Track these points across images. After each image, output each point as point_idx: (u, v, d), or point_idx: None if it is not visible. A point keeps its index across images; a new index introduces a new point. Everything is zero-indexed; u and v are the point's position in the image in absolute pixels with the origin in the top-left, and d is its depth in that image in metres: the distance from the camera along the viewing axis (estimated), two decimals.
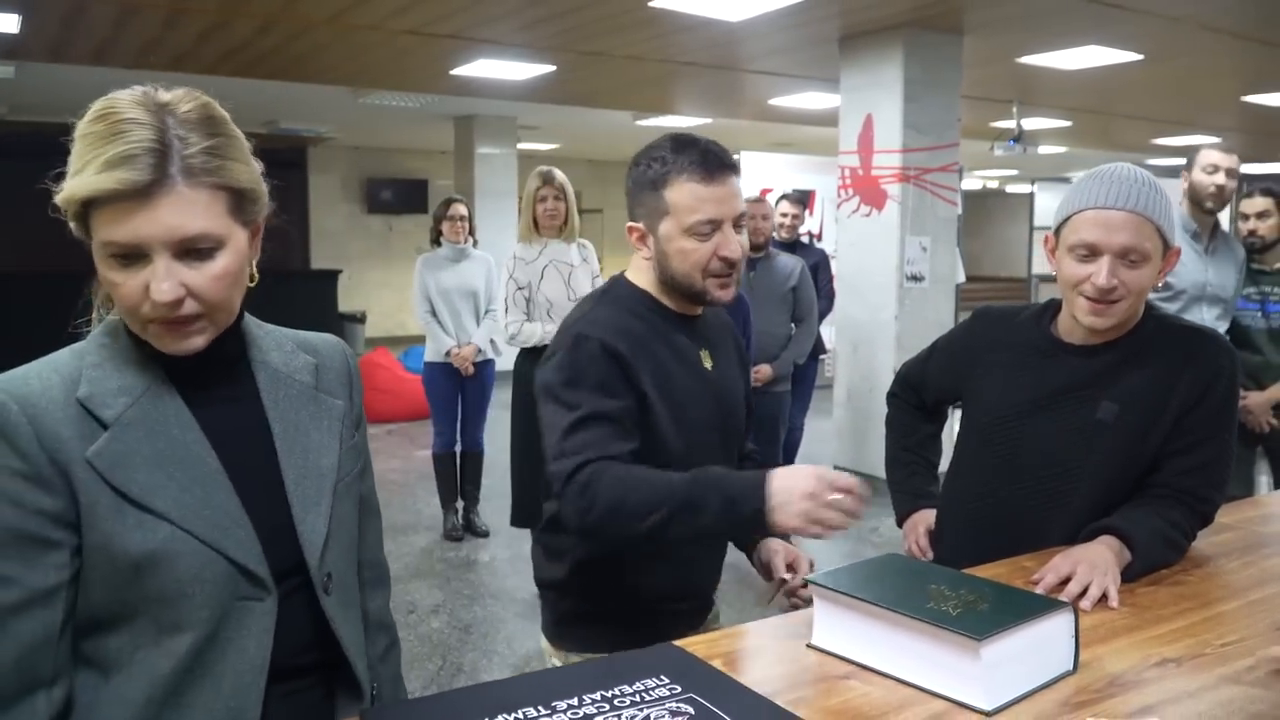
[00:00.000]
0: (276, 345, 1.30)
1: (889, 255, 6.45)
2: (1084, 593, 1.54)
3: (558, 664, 1.83)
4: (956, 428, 2.04)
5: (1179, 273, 3.75)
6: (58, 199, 1.09)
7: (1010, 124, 9.11)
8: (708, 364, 1.83)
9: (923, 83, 6.38)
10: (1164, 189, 1.73)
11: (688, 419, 1.74)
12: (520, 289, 4.45)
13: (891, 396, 2.24)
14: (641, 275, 1.84)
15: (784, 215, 5.74)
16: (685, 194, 1.70)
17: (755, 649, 1.37)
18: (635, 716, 1.15)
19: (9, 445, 1.08)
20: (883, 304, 6.48)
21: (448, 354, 5.27)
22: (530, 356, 4.37)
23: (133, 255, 1.08)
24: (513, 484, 4.56)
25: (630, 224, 1.80)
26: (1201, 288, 3.82)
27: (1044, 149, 13.49)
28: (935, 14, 6.01)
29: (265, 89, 8.69)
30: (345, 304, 14.29)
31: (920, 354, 2.18)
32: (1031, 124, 10.49)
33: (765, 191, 9.91)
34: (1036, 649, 1.25)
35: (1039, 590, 1.53)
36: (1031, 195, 14.07)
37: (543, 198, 4.40)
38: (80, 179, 1.07)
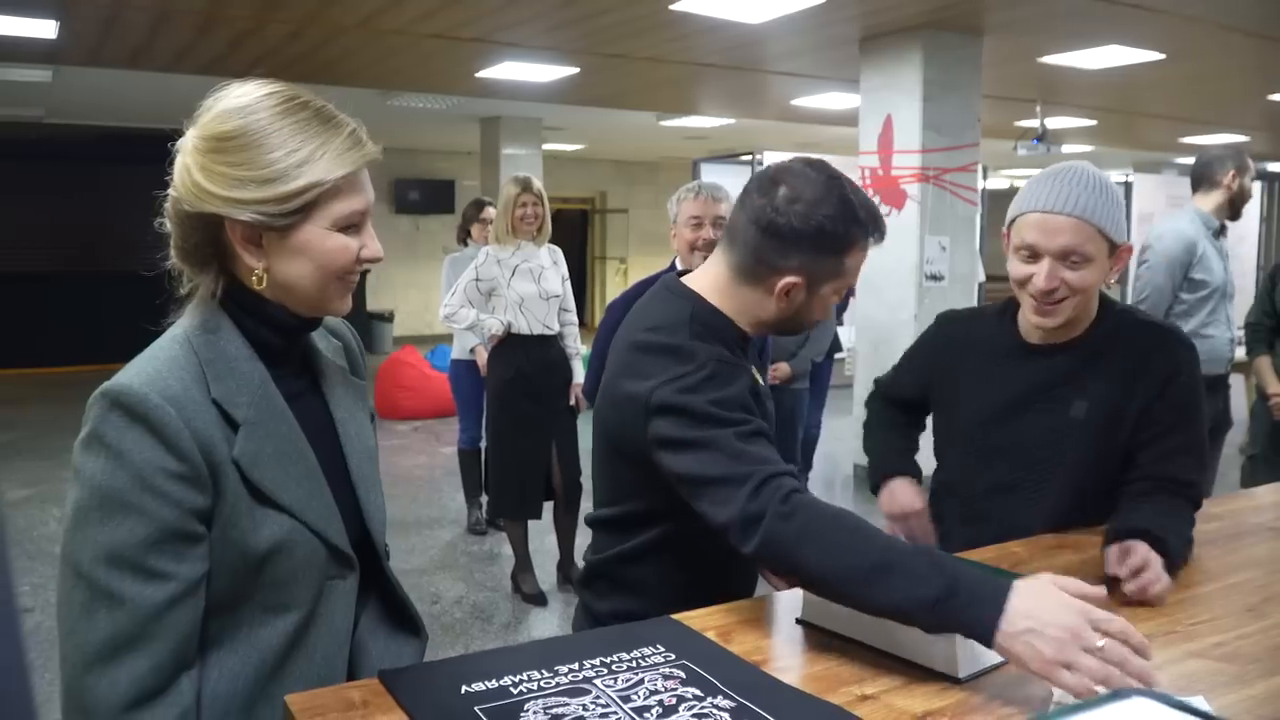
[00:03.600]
0: (317, 331, 1.40)
1: (908, 255, 6.51)
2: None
3: None
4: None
5: (1212, 270, 3.80)
6: (297, 183, 1.17)
7: (1034, 123, 9.14)
8: (759, 380, 1.69)
9: (942, 83, 6.44)
10: (1113, 190, 1.76)
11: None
12: (479, 281, 4.60)
13: (869, 401, 2.30)
14: (721, 297, 1.63)
15: None
16: (859, 261, 1.60)
17: (748, 623, 1.46)
18: (630, 679, 1.24)
19: (170, 448, 1.13)
20: (902, 303, 6.54)
21: (472, 350, 5.33)
22: (501, 351, 4.55)
23: (358, 223, 1.24)
24: (490, 478, 4.72)
25: (789, 277, 1.56)
26: (1226, 285, 3.87)
27: (1070, 148, 13.45)
28: (954, 15, 6.06)
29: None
30: (373, 303, 14.50)
31: (893, 367, 2.25)
32: (1056, 123, 10.50)
33: None
34: None
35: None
36: None
37: (522, 203, 4.55)
38: (331, 159, 1.19)
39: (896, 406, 2.23)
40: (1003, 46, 6.74)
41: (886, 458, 2.15)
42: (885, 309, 6.66)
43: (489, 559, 5.29)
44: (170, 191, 1.21)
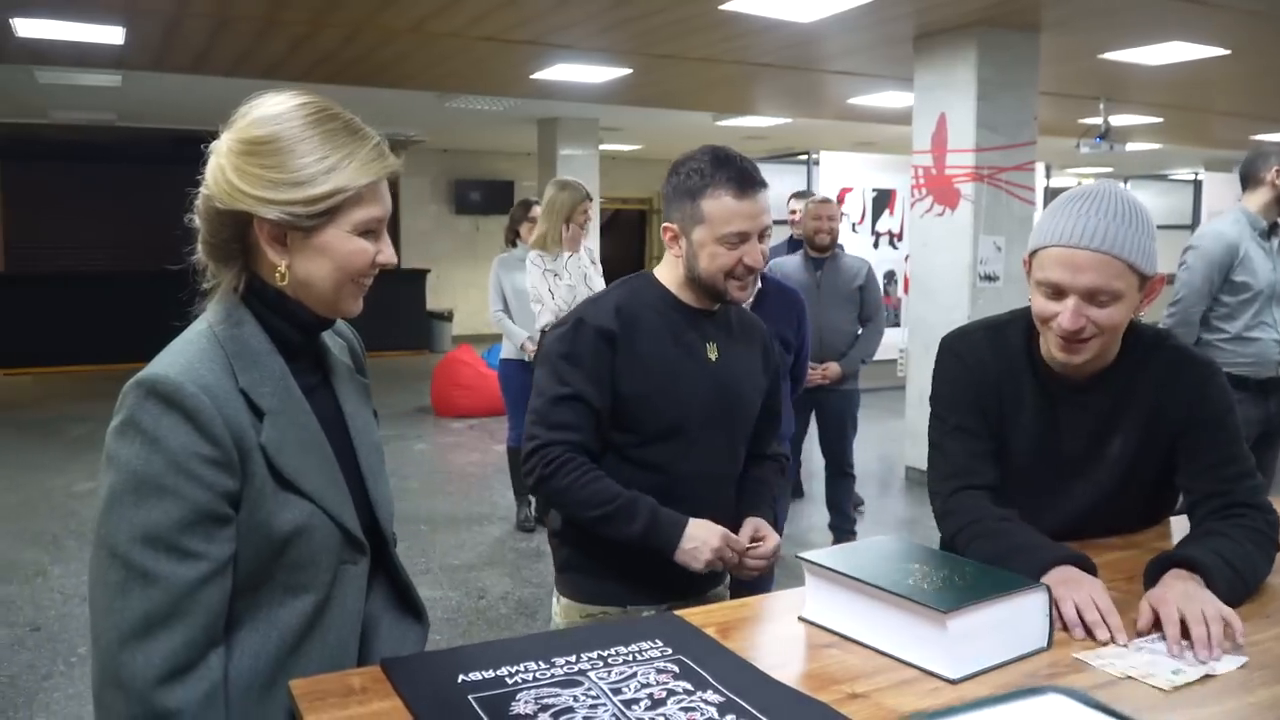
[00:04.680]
0: (326, 332, 1.45)
1: (962, 255, 6.44)
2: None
3: (559, 614, 2.07)
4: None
5: (1256, 272, 3.70)
6: (324, 188, 1.24)
7: (1098, 121, 8.97)
8: (713, 355, 2.00)
9: (997, 81, 6.35)
10: (1143, 216, 1.64)
11: (681, 397, 1.94)
12: (571, 287, 4.65)
13: (948, 517, 1.79)
14: (666, 272, 2.03)
15: (794, 213, 5.93)
16: (719, 207, 1.89)
17: (750, 620, 1.48)
18: (624, 672, 1.26)
19: (204, 433, 1.19)
20: (955, 304, 6.47)
21: (521, 347, 5.42)
22: None
23: (375, 230, 1.31)
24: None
25: (666, 224, 1.98)
26: (1273, 286, 3.75)
27: (1138, 146, 13.17)
28: (1009, 11, 5.98)
29: (356, 94, 8.99)
30: (433, 302, 14.68)
31: (935, 444, 1.87)
32: (1121, 121, 10.28)
33: (845, 191, 9.94)
34: (1007, 624, 1.32)
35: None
36: None
37: (584, 210, 4.57)
38: (357, 168, 1.26)
39: (989, 494, 1.80)
40: (1061, 43, 6.63)
41: (1038, 551, 1.61)
42: (938, 310, 6.59)
43: (535, 556, 5.33)
44: (203, 189, 1.28)
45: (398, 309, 13.82)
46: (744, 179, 1.90)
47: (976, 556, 1.59)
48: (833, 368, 4.86)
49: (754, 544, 1.94)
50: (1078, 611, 1.42)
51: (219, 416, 1.21)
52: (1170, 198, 13.45)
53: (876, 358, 5.39)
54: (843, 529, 5.08)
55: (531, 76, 8.10)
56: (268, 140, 1.24)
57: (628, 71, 7.92)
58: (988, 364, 1.84)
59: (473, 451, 7.93)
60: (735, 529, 1.96)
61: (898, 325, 9.26)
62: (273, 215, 1.24)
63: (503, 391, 5.78)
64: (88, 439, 8.06)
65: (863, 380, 5.28)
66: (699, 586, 2.03)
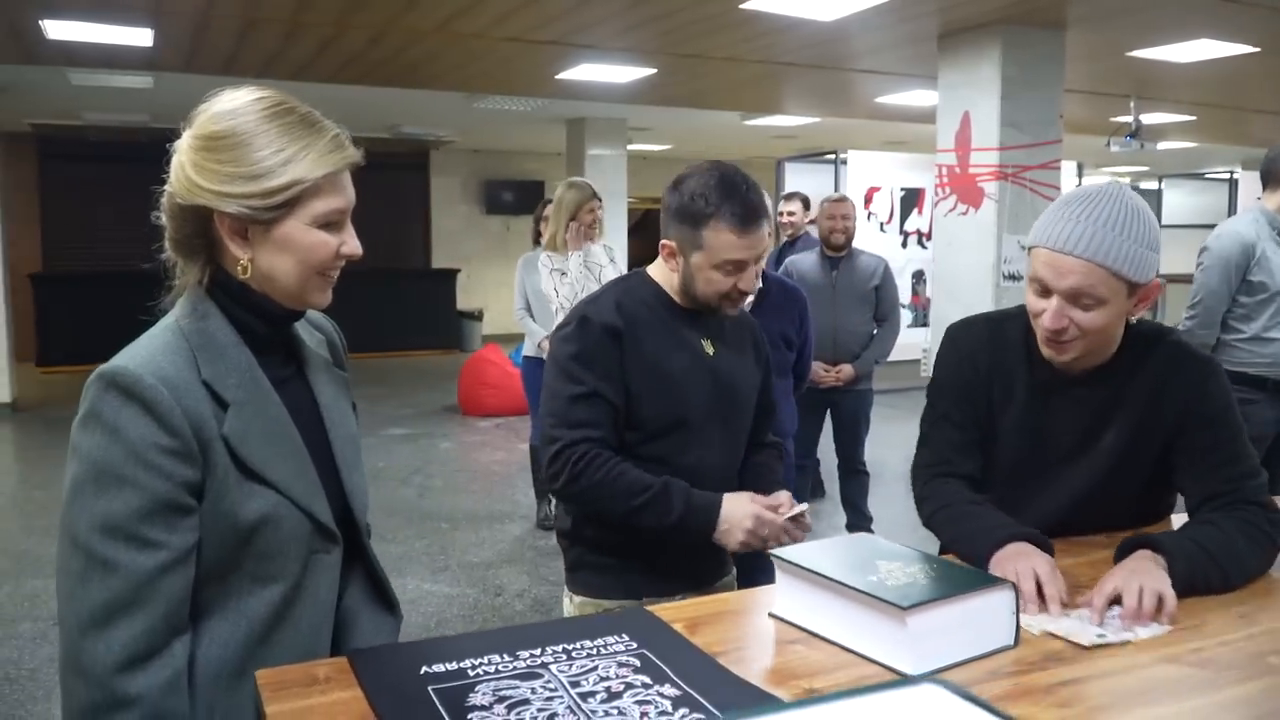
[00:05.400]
0: (300, 324, 1.47)
1: (985, 254, 6.38)
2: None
3: (572, 610, 2.10)
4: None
5: (1274, 272, 3.65)
6: (280, 180, 1.25)
7: (1128, 119, 8.86)
8: (710, 351, 2.04)
9: (1022, 79, 6.29)
10: (1138, 224, 1.62)
11: (679, 394, 1.96)
12: (555, 290, 4.68)
13: (922, 497, 1.87)
14: (660, 273, 2.05)
15: (790, 214, 6.01)
16: (721, 240, 1.91)
17: (721, 615, 1.48)
18: (585, 665, 1.27)
19: (162, 424, 1.21)
20: (978, 304, 6.41)
21: (540, 345, 5.46)
22: None
23: (337, 221, 1.31)
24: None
25: (664, 240, 2.00)
26: None
27: (1172, 144, 13.00)
28: (1034, 9, 5.92)
29: (386, 95, 9.07)
30: (463, 302, 14.77)
31: (922, 430, 1.93)
32: (1153, 119, 10.15)
33: (873, 190, 9.90)
34: (971, 622, 1.32)
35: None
36: (1159, 192, 13.56)
37: (590, 209, 4.59)
38: (314, 159, 1.26)
39: (964, 481, 1.85)
40: (1087, 40, 6.56)
41: (996, 530, 1.66)
42: (962, 309, 6.46)
43: (555, 554, 5.35)
44: (166, 187, 1.31)
45: (428, 309, 13.94)
46: (747, 214, 1.91)
47: (944, 538, 1.76)
48: (846, 369, 4.85)
49: (792, 518, 1.93)
50: (1018, 578, 1.48)
51: (178, 407, 1.23)
52: (1206, 196, 13.27)
53: (901, 357, 5.37)
54: (860, 527, 5.07)
55: (557, 76, 8.13)
56: (224, 135, 1.26)
57: (652, 71, 7.92)
58: (980, 355, 1.86)
59: (497, 450, 7.98)
60: None
61: (926, 325, 9.20)
62: (232, 209, 1.25)
63: (525, 389, 5.81)
64: None
65: (887, 380, 5.28)
66: (708, 577, 2.08)
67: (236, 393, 1.29)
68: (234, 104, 1.30)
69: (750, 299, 3.20)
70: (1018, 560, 1.54)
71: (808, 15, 6.00)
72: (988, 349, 1.86)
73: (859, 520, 5.09)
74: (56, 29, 6.23)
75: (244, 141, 1.26)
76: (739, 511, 1.88)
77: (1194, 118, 10.49)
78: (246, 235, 1.29)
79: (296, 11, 5.88)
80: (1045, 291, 1.66)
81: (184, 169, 1.28)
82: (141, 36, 6.43)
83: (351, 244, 1.34)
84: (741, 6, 5.78)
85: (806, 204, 6.39)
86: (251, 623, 1.31)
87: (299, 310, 1.39)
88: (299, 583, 1.34)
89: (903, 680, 0.89)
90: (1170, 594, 1.46)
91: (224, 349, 1.31)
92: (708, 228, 1.90)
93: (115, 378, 1.23)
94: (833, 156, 10.15)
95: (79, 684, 1.20)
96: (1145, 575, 1.49)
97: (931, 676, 0.91)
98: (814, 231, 6.32)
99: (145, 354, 1.27)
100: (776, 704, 0.98)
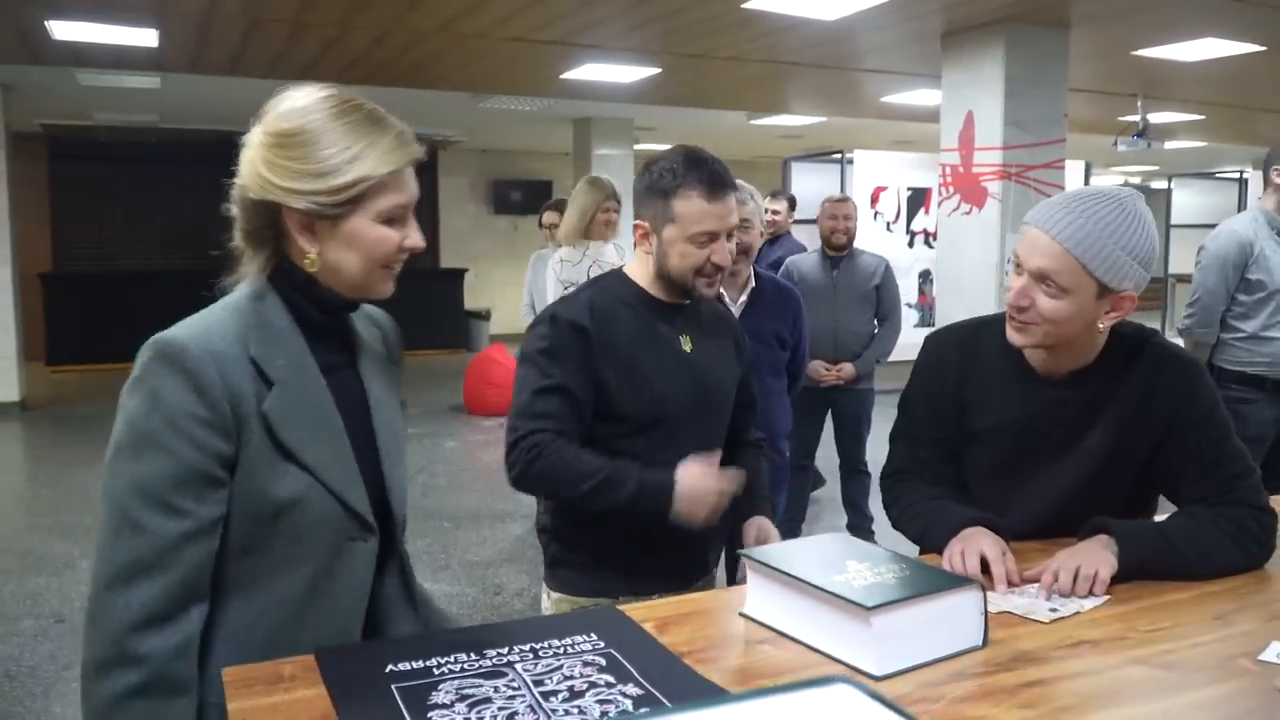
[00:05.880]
0: (358, 317, 1.50)
1: (988, 254, 6.37)
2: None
3: (549, 609, 2.08)
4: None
5: (1272, 271, 3.64)
6: (346, 177, 1.29)
7: (1136, 118, 8.82)
8: (687, 347, 2.04)
9: (1025, 78, 6.27)
10: (1129, 233, 1.61)
11: (657, 390, 1.97)
12: (566, 287, 4.66)
13: (889, 498, 1.93)
14: (637, 269, 2.06)
15: (775, 212, 6.00)
16: (690, 207, 1.93)
17: (692, 615, 1.48)
18: (550, 664, 1.28)
19: (201, 396, 1.26)
20: (981, 304, 6.39)
21: None
22: None
23: (401, 216, 1.36)
24: None
25: (637, 221, 2.00)
26: None
27: (1181, 144, 12.94)
28: (1038, 7, 5.90)
29: (392, 95, 9.06)
30: (471, 301, 14.78)
31: (891, 437, 1.96)
32: (1161, 118, 10.11)
33: (879, 190, 9.88)
34: (938, 623, 1.32)
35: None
36: (1168, 192, 13.49)
37: (606, 209, 4.59)
38: (379, 157, 1.30)
39: (929, 483, 1.89)
40: (1093, 39, 6.53)
41: (953, 519, 1.74)
42: (965, 309, 6.48)
43: None
44: (237, 180, 1.35)
45: (435, 308, 13.95)
46: (715, 181, 1.94)
47: (911, 536, 1.82)
48: (846, 369, 4.84)
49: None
50: (963, 559, 1.61)
51: (219, 381, 1.26)
52: (1215, 196, 13.18)
53: (903, 357, 5.34)
54: (861, 527, 5.05)
55: (562, 76, 8.14)
56: (294, 133, 1.30)
57: (657, 71, 7.92)
58: (951, 361, 1.88)
59: (501, 448, 7.95)
60: (732, 523, 2.01)
61: (933, 325, 9.16)
62: (300, 205, 1.30)
63: None
64: None
65: (889, 380, 5.24)
66: (690, 575, 2.07)
67: (283, 373, 1.32)
68: (303, 102, 1.34)
69: (743, 298, 3.20)
70: (966, 541, 1.65)
71: (810, 15, 6.00)
72: (959, 354, 1.87)
73: (860, 520, 5.07)
74: (62, 29, 6.27)
75: (312, 139, 1.30)
76: (699, 488, 1.82)
77: (1202, 117, 10.45)
78: (314, 230, 1.33)
79: (299, 12, 5.90)
80: (1019, 269, 1.69)
81: (255, 165, 1.32)
82: (146, 37, 6.46)
83: (414, 238, 1.39)
84: (743, 6, 5.78)
85: (793, 204, 6.40)
86: (280, 602, 1.34)
87: (359, 300, 1.43)
88: (330, 569, 1.36)
89: (816, 680, 0.89)
90: (1105, 574, 1.56)
91: (277, 331, 1.35)
92: (677, 197, 1.93)
93: (164, 347, 1.28)
94: (838, 156, 10.13)
95: (96, 637, 1.25)
96: (1086, 555, 1.59)
97: (845, 678, 0.90)
98: (795, 232, 6.36)
99: (198, 327, 1.31)
100: (682, 705, 0.98)
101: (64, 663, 3.89)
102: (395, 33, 6.51)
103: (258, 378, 1.30)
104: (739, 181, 3.23)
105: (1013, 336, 1.73)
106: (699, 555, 2.08)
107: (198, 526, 1.26)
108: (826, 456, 5.41)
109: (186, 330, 1.30)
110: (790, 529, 4.96)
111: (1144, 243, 1.64)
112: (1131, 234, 1.62)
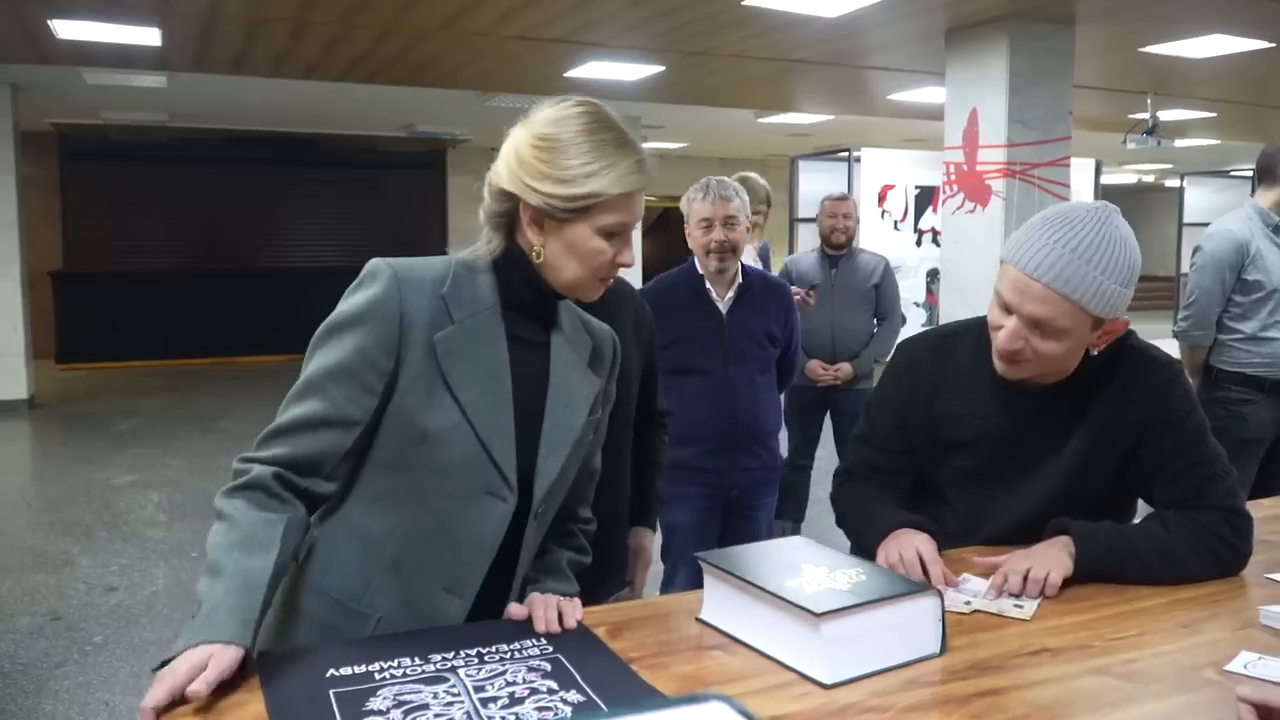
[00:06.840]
0: (569, 317, 1.59)
1: (993, 252, 6.31)
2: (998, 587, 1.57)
3: None
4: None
5: (1269, 270, 3.59)
6: (581, 189, 1.39)
7: (1146, 116, 8.75)
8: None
9: (1030, 75, 6.22)
10: (1111, 255, 1.57)
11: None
12: None
13: (838, 490, 1.94)
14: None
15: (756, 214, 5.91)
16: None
17: (647, 620, 1.46)
18: (494, 670, 1.26)
19: (377, 314, 1.40)
20: (985, 302, 6.32)
21: None
22: None
23: (620, 233, 1.45)
24: None
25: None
26: None
27: (1192, 141, 12.84)
28: (1042, 4, 5.86)
29: (400, 94, 9.10)
30: None
31: (859, 429, 1.96)
32: (1172, 115, 10.02)
33: (887, 188, 9.82)
34: (893, 629, 1.29)
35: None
36: (1181, 190, 13.39)
37: (757, 211, 4.55)
38: (614, 178, 1.40)
39: (883, 487, 1.90)
40: (1099, 36, 6.48)
41: (886, 521, 1.76)
42: (970, 307, 6.46)
43: None
44: (494, 165, 1.49)
45: None
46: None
47: (851, 536, 1.85)
48: (844, 368, 4.81)
49: None
50: (900, 560, 1.62)
51: (398, 306, 1.40)
52: (1227, 194, 13.07)
53: None
54: None
55: (565, 74, 8.12)
56: (549, 139, 1.41)
57: (661, 69, 7.90)
58: (922, 369, 1.85)
59: None
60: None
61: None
62: (535, 201, 1.41)
63: None
64: (133, 434, 8.26)
65: None
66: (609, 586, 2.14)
67: (466, 319, 1.44)
68: (563, 113, 1.44)
69: (730, 294, 3.14)
70: (899, 540, 1.66)
71: (811, 12, 5.96)
72: (930, 362, 1.84)
73: None
74: (65, 28, 6.29)
75: (561, 148, 1.41)
76: None
77: (1214, 114, 10.35)
78: (542, 226, 1.44)
79: (301, 10, 5.90)
80: (1008, 310, 1.62)
81: (509, 158, 1.44)
82: (149, 36, 6.48)
83: (625, 255, 1.48)
84: (743, 3, 5.76)
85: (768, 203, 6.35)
86: (411, 526, 1.43)
87: (563, 295, 1.52)
88: (463, 514, 1.43)
89: (694, 697, 0.87)
90: (1056, 577, 1.56)
91: (477, 287, 1.47)
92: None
93: (374, 264, 1.44)
94: (845, 154, 10.08)
95: (239, 462, 1.40)
96: (1038, 557, 1.59)
97: (722, 696, 0.88)
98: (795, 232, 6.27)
99: (413, 261, 1.47)
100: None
101: (57, 660, 3.89)
102: (397, 31, 6.51)
103: (442, 312, 1.42)
104: (723, 178, 3.22)
105: (1004, 371, 1.68)
106: (616, 567, 2.11)
107: (337, 416, 1.39)
108: (826, 457, 5.37)
109: (400, 259, 1.46)
110: (790, 530, 4.94)
111: (1128, 265, 1.59)
112: (1114, 258, 1.57)
